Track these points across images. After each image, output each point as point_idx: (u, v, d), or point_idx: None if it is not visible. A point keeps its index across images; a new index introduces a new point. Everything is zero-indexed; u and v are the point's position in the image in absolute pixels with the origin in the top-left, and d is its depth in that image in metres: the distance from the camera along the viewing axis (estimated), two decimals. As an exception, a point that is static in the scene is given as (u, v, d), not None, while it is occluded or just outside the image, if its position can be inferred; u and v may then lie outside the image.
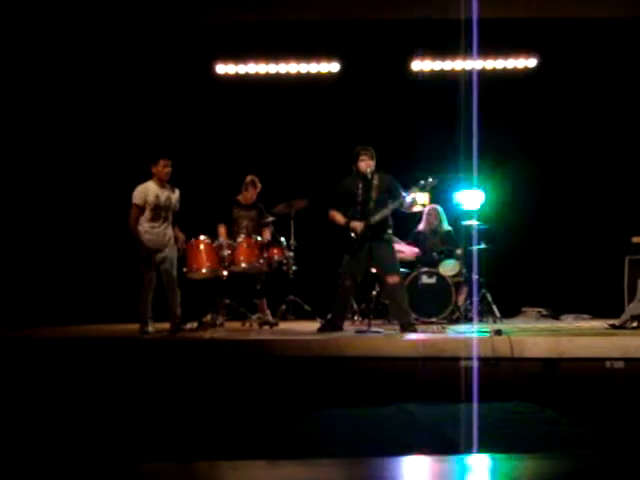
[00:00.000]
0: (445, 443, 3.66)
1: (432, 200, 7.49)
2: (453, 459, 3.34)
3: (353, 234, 5.90)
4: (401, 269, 6.32)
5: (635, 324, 5.87)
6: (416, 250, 7.27)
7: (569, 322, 7.20)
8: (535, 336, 5.24)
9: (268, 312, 7.09)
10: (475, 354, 4.72)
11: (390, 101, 8.30)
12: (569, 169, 8.27)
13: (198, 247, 6.43)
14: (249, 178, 7.10)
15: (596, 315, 7.28)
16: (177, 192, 6.25)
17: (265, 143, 8.33)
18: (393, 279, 5.92)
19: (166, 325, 6.18)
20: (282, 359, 4.94)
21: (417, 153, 7.85)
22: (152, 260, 6.04)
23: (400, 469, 3.17)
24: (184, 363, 4.97)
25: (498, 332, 5.12)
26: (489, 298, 7.04)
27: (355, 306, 7.04)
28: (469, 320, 6.92)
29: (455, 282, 7.00)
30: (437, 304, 6.85)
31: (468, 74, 7.89)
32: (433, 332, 5.92)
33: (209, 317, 6.74)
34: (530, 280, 7.99)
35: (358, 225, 5.88)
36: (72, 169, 8.21)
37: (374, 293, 6.94)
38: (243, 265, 6.60)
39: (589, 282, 7.79)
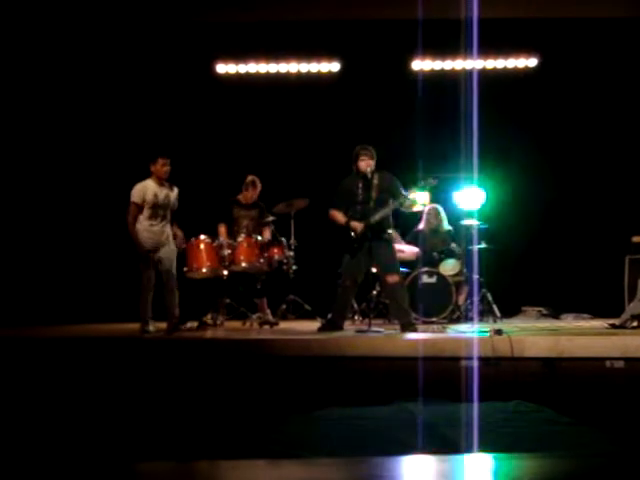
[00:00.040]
0: (445, 443, 3.65)
1: (432, 200, 7.48)
2: (453, 459, 3.33)
3: (353, 234, 5.90)
4: (401, 269, 6.33)
5: (635, 324, 5.87)
6: (416, 250, 7.26)
7: (569, 321, 7.20)
8: (535, 335, 5.24)
9: (268, 312, 7.09)
10: (475, 354, 4.73)
11: (390, 101, 8.30)
12: (569, 169, 8.26)
13: (198, 246, 6.44)
14: (250, 178, 7.10)
15: (596, 314, 7.29)
16: (176, 190, 6.25)
17: (265, 143, 8.33)
18: (393, 279, 5.92)
19: (166, 325, 6.18)
20: (282, 359, 4.95)
21: (417, 153, 7.84)
22: (150, 259, 6.03)
23: (400, 469, 3.16)
24: (184, 363, 4.97)
25: (498, 332, 5.11)
26: (489, 298, 7.05)
27: (355, 306, 7.03)
28: (469, 320, 6.92)
29: (455, 282, 6.99)
30: (437, 304, 6.84)
31: (468, 74, 7.88)
32: (433, 332, 5.92)
33: (209, 317, 6.75)
34: (530, 279, 8.00)
35: (358, 225, 5.88)
36: (72, 168, 8.20)
37: (374, 293, 6.93)
38: (243, 264, 6.61)
39: (589, 281, 7.79)
